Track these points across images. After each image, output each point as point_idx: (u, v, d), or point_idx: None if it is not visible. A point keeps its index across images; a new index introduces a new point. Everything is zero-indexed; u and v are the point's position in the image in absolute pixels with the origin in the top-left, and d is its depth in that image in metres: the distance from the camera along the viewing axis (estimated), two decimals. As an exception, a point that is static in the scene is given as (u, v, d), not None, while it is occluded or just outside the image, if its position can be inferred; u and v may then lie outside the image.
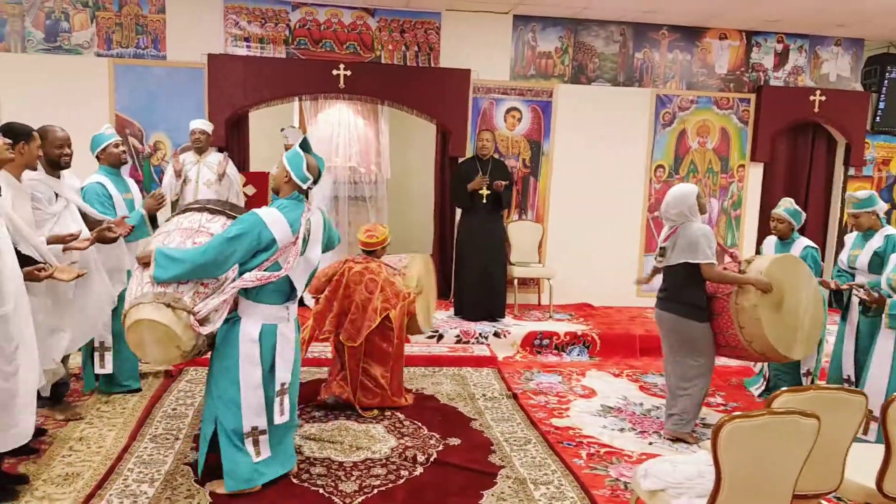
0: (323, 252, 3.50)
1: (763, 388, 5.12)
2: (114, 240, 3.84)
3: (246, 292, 3.19)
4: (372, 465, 3.63)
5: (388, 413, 4.38)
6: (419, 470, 3.61)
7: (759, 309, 3.88)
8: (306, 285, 3.41)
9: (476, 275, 6.11)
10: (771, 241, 4.98)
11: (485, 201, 6.06)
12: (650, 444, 4.14)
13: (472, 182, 6.04)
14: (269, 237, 3.11)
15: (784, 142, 7.53)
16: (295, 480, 3.43)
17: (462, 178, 6.14)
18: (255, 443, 3.25)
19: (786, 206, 4.81)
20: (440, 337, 5.80)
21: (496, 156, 6.53)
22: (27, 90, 6.08)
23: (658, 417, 4.57)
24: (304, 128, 7.87)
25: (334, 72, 6.41)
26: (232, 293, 3.12)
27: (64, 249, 3.47)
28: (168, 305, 2.99)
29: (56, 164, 3.85)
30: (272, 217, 3.14)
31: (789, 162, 7.63)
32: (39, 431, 3.78)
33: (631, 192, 7.09)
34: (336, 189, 7.82)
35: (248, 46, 6.40)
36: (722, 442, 2.26)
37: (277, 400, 3.24)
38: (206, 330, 3.05)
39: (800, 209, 4.81)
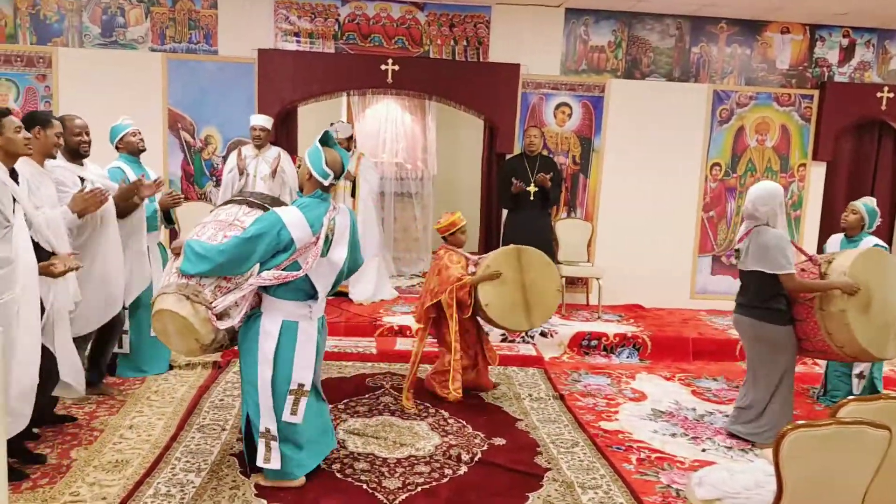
0: (347, 276, 3.41)
1: (822, 391, 4.92)
2: (137, 202, 4.06)
3: (266, 288, 3.15)
4: (416, 462, 3.58)
5: (432, 410, 4.32)
6: (463, 469, 3.53)
7: (848, 314, 3.70)
8: (335, 285, 3.33)
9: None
10: (836, 239, 4.75)
11: (532, 198, 5.94)
12: (703, 450, 3.98)
13: (514, 185, 5.92)
14: (287, 238, 3.04)
15: (848, 140, 7.19)
16: (339, 475, 3.40)
17: (507, 176, 6.03)
18: (267, 446, 3.17)
19: (865, 202, 4.60)
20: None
21: (545, 152, 6.41)
22: (83, 84, 6.22)
23: (712, 423, 4.39)
24: (351, 123, 7.90)
25: (382, 67, 6.38)
26: (250, 290, 3.09)
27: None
28: (188, 298, 2.99)
29: (76, 151, 3.93)
30: (291, 217, 3.07)
31: (853, 161, 7.29)
32: (68, 418, 3.84)
33: (685, 190, 6.87)
34: (382, 185, 7.81)
35: (297, 41, 6.43)
36: (785, 451, 2.13)
37: (290, 398, 3.15)
38: (223, 325, 3.03)
39: (878, 210, 4.58)
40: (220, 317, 3.03)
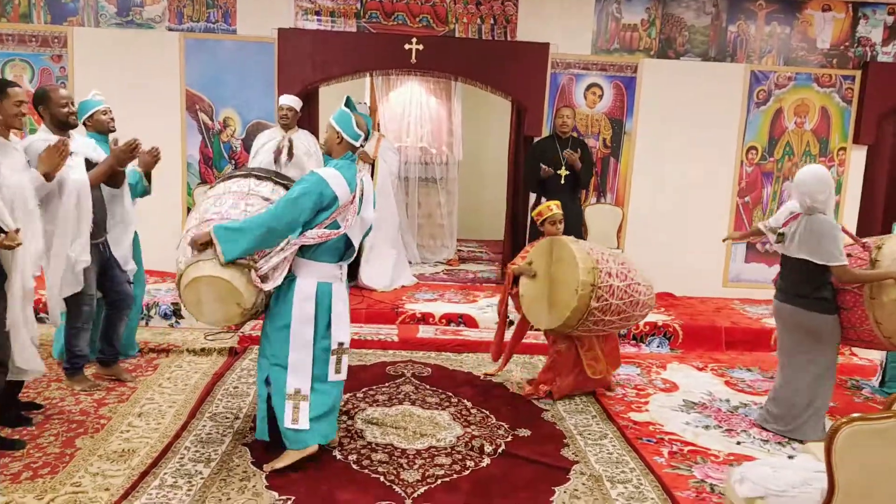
0: (364, 237, 3.44)
1: (880, 379, 4.73)
2: (129, 159, 3.95)
3: (302, 250, 3.15)
4: (436, 453, 3.42)
5: (454, 400, 4.16)
6: (486, 461, 3.37)
7: None
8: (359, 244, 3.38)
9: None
10: None
11: (563, 182, 5.72)
12: (738, 443, 3.77)
13: (542, 171, 5.69)
14: (330, 195, 3.08)
15: (891, 123, 6.85)
16: (355, 467, 3.26)
17: (536, 159, 5.81)
18: (296, 407, 3.15)
19: None
20: (510, 323, 5.52)
21: (575, 135, 6.18)
22: (99, 65, 6.14)
23: (747, 415, 4.18)
24: (374, 106, 7.75)
25: (406, 46, 6.20)
26: (292, 250, 3.11)
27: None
28: (231, 262, 2.98)
29: (64, 123, 3.80)
30: (332, 175, 3.12)
31: (895, 146, 6.95)
32: (33, 405, 3.73)
33: (720, 175, 6.60)
34: (406, 170, 7.66)
35: (318, 20, 6.27)
36: (839, 447, 1.93)
37: (334, 358, 3.21)
38: (267, 286, 3.06)
39: None
40: (263, 279, 3.05)
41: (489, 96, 7.60)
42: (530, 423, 3.87)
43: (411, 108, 7.85)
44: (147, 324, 5.36)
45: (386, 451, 3.42)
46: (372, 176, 6.24)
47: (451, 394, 4.24)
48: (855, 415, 1.95)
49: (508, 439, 3.63)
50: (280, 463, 3.17)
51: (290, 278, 3.16)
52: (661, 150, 6.49)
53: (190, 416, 3.71)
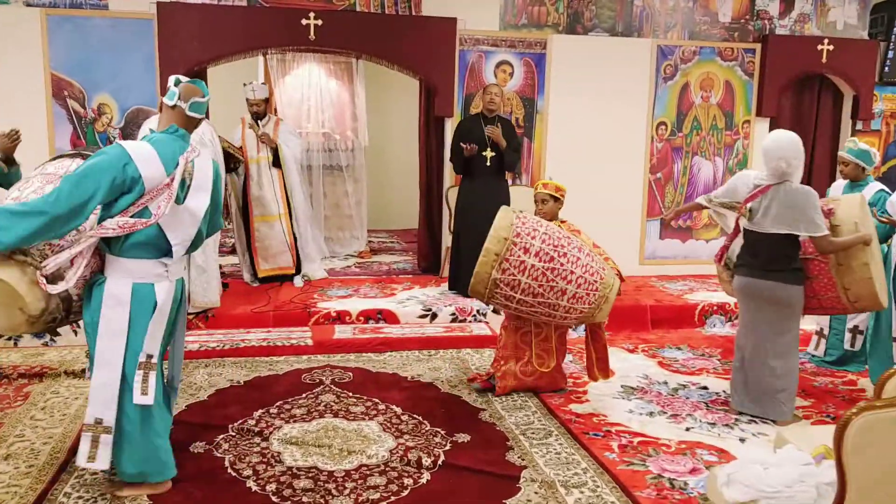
0: (206, 237, 2.93)
1: (823, 349, 4.75)
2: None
3: (109, 246, 2.62)
4: (368, 472, 3.02)
5: (381, 406, 3.76)
6: (426, 476, 3.01)
7: (871, 266, 3.43)
8: (194, 244, 2.80)
9: (475, 245, 5.44)
10: (839, 185, 4.48)
11: (488, 164, 5.38)
12: (687, 429, 3.61)
13: (465, 149, 5.33)
14: (133, 174, 2.52)
15: (789, 96, 7.01)
16: (275, 499, 2.80)
17: (461, 138, 5.44)
18: (94, 442, 2.64)
19: (849, 147, 4.28)
20: (434, 316, 5.18)
21: (503, 113, 5.84)
22: (-55, 47, 5.26)
23: (688, 397, 4.04)
24: (270, 89, 7.13)
25: (304, 21, 5.67)
26: (88, 244, 2.57)
27: None
28: (9, 257, 2.43)
29: None
30: (140, 151, 2.56)
31: (795, 117, 7.09)
32: None
33: (631, 151, 6.51)
34: (309, 158, 7.12)
35: (203, -7, 5.63)
36: (851, 440, 1.70)
37: (139, 374, 2.64)
38: (55, 289, 2.50)
39: (869, 148, 4.26)
40: (51, 279, 2.49)
41: (393, 77, 7.20)
42: (468, 426, 3.54)
43: (311, 92, 7.31)
44: (16, 344, 4.62)
45: (310, 475, 2.98)
46: (277, 163, 5.69)
47: (377, 400, 3.84)
48: (863, 403, 1.73)
49: (447, 448, 3.28)
50: (124, 492, 2.78)
51: (101, 281, 2.66)
52: (573, 129, 6.32)
53: (70, 454, 3.10)
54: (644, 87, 6.43)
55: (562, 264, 3.57)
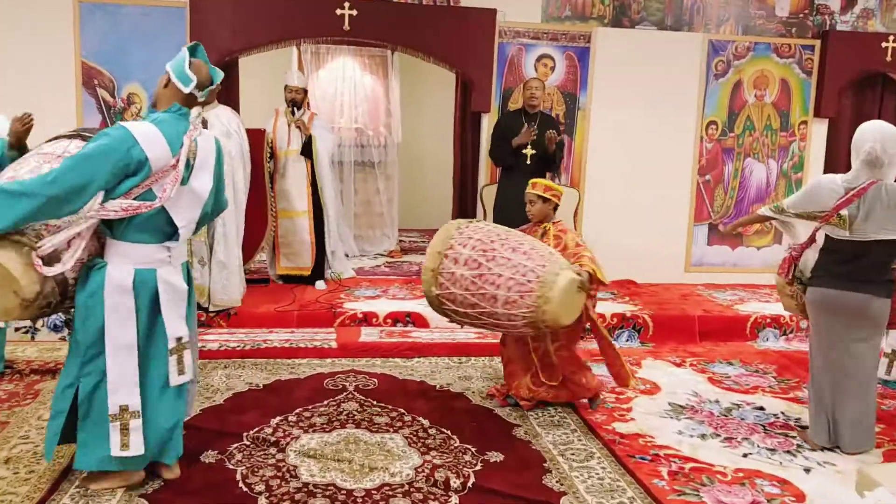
0: (210, 218, 2.85)
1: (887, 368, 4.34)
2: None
3: (111, 229, 2.48)
4: (391, 492, 2.75)
5: (407, 418, 3.50)
6: (454, 500, 2.73)
7: None
8: (199, 226, 2.75)
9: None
10: None
11: (529, 162, 5.07)
12: (744, 455, 3.26)
13: (517, 136, 5.03)
14: (139, 156, 2.40)
15: (849, 96, 6.57)
16: (289, 517, 2.56)
17: (503, 133, 5.16)
18: (124, 429, 2.53)
19: None
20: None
21: (544, 109, 5.54)
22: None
23: (743, 418, 3.69)
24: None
25: (338, 11, 5.45)
26: (88, 225, 2.43)
27: None
28: (3, 238, 2.28)
29: None
30: (145, 132, 2.42)
31: (855, 118, 6.59)
32: None
33: (679, 152, 6.15)
34: (340, 154, 6.91)
35: (235, -19, 5.45)
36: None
37: (174, 358, 2.60)
38: (51, 271, 2.36)
39: None
40: (47, 261, 2.34)
41: (428, 72, 6.98)
42: (501, 443, 3.25)
43: (344, 86, 7.12)
44: (33, 338, 4.49)
45: (328, 493, 2.73)
46: (310, 154, 5.44)
47: (403, 410, 3.57)
48: None
49: (478, 467, 3.00)
50: (97, 485, 2.64)
51: (101, 265, 2.51)
52: (618, 127, 5.98)
53: (73, 459, 2.88)
54: (694, 85, 6.06)
55: (489, 269, 3.15)
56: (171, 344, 2.58)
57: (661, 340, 5.02)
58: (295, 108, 5.42)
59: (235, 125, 4.89)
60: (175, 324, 2.58)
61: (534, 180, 3.67)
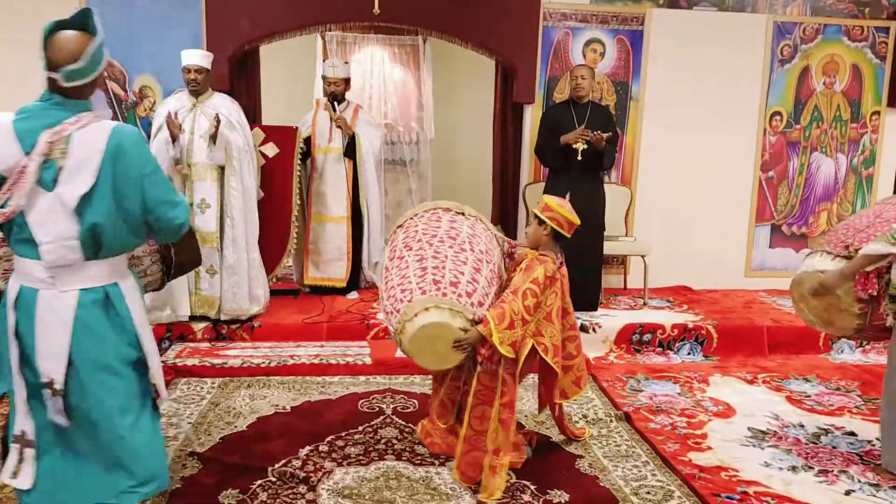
0: (151, 237, 2.25)
1: None
2: None
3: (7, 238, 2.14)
4: (443, 545, 2.32)
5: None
6: (518, 554, 2.29)
7: None
8: (99, 246, 2.07)
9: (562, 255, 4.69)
10: None
11: (579, 158, 4.61)
12: (847, 493, 2.78)
13: (566, 135, 4.59)
14: None
15: (925, 83, 5.99)
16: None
17: (550, 127, 4.71)
18: (20, 456, 2.14)
19: None
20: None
21: (594, 99, 5.06)
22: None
23: (834, 446, 3.20)
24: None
25: (367, -6, 5.04)
26: None
27: None
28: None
29: None
30: None
31: (932, 109, 6.09)
32: None
33: (740, 145, 5.63)
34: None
35: (257, -36, 5.06)
36: None
37: (47, 392, 2.07)
38: None
39: None
40: None
41: (464, 62, 6.53)
42: (563, 479, 2.80)
43: (373, 79, 6.70)
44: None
45: (368, 546, 2.31)
46: (352, 154, 4.97)
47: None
48: None
49: (542, 511, 2.55)
50: None
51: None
52: (673, 118, 5.49)
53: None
54: (757, 71, 5.54)
55: (395, 267, 2.70)
56: (44, 379, 2.07)
57: (726, 354, 4.52)
58: (335, 103, 4.94)
59: (237, 114, 4.48)
60: (45, 358, 2.05)
61: (543, 197, 2.94)
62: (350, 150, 4.95)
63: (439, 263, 2.57)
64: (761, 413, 3.60)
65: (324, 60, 5.83)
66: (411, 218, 2.83)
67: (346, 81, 5.03)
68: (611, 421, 3.40)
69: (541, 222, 2.83)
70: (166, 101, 4.57)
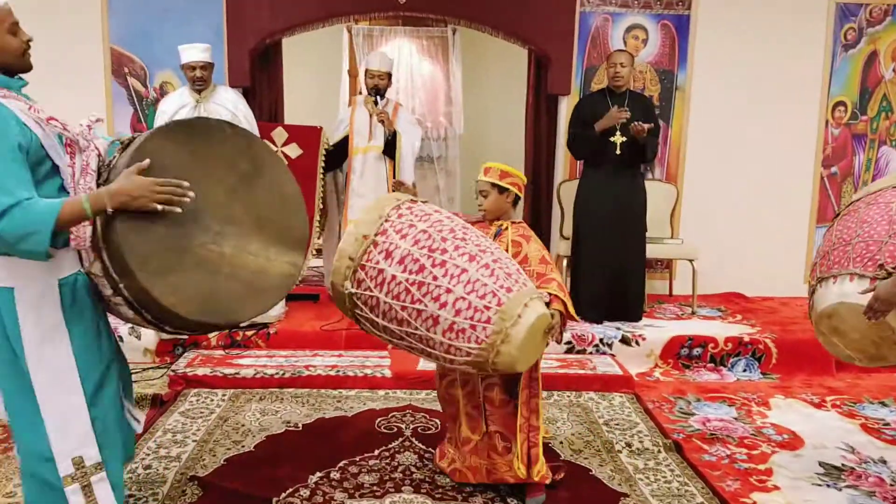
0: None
1: None
2: None
3: None
4: None
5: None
6: None
7: None
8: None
9: (598, 255, 4.30)
10: None
11: (619, 151, 4.22)
12: (945, 550, 2.34)
13: (601, 120, 4.19)
14: None
15: None
16: None
17: (585, 119, 4.31)
18: (87, 491, 1.98)
19: None
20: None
21: (634, 88, 4.66)
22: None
23: (923, 488, 2.75)
24: (354, 70, 6.27)
25: (392, -19, 4.72)
26: None
27: None
28: None
29: None
30: None
31: None
32: None
33: (799, 139, 5.15)
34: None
35: (276, -50, 4.78)
36: None
37: None
38: None
39: None
40: None
41: (494, 53, 6.18)
42: (607, 523, 2.42)
43: (399, 73, 6.38)
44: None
45: None
46: (392, 153, 4.48)
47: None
48: None
49: (580, 565, 2.18)
50: None
51: None
52: (723, 109, 5.04)
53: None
54: (818, 58, 5.05)
55: (434, 277, 2.17)
56: None
57: (787, 371, 4.07)
58: (378, 97, 4.49)
59: (243, 108, 4.19)
60: None
61: (486, 164, 2.70)
62: (390, 148, 4.49)
63: (493, 256, 2.23)
64: (833, 444, 3.15)
65: (349, 55, 5.52)
66: (386, 220, 2.32)
67: (389, 76, 4.58)
68: (659, 451, 3.00)
69: (502, 190, 2.64)
70: (168, 98, 4.29)
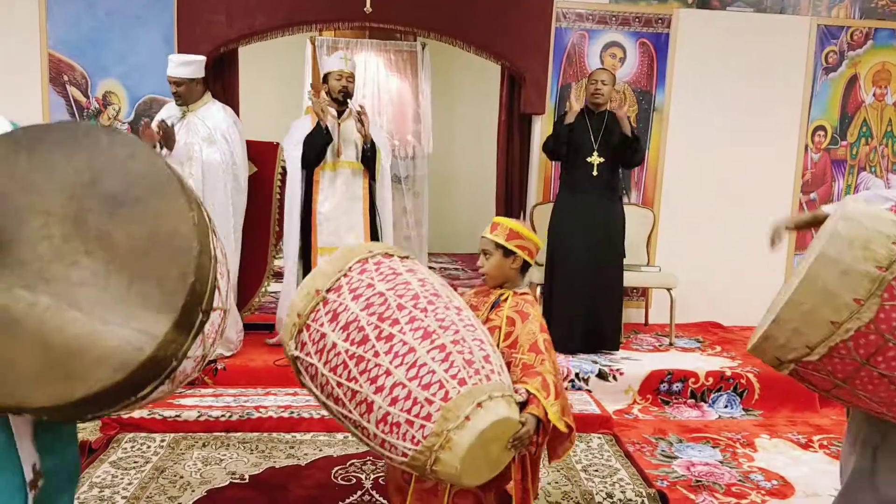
0: None
1: None
2: None
3: None
4: None
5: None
6: None
7: None
8: None
9: (576, 285, 4.05)
10: None
11: (595, 173, 3.99)
12: None
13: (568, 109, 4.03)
14: None
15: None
16: None
17: (559, 136, 4.12)
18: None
19: None
20: (517, 380, 3.79)
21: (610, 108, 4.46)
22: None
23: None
24: (317, 84, 5.97)
25: (358, -11, 4.45)
26: None
27: None
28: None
29: None
30: None
31: None
32: None
33: (778, 164, 5.00)
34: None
35: (233, -46, 4.48)
36: None
37: None
38: None
39: None
40: None
41: (465, 69, 5.95)
42: None
43: (366, 89, 6.11)
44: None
45: None
46: (371, 164, 4.06)
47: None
48: None
49: None
50: None
51: None
52: (702, 132, 4.87)
53: None
54: (798, 81, 4.92)
55: (376, 353, 1.79)
56: None
57: (770, 407, 3.87)
58: (345, 100, 4.04)
59: (225, 128, 3.89)
60: None
61: (496, 219, 2.25)
62: (365, 162, 4.04)
63: (456, 336, 1.80)
64: (826, 492, 2.93)
65: (312, 69, 5.24)
66: (344, 276, 1.92)
67: (354, 79, 4.16)
68: (643, 502, 2.73)
69: (507, 253, 2.16)
70: (163, 109, 4.07)
